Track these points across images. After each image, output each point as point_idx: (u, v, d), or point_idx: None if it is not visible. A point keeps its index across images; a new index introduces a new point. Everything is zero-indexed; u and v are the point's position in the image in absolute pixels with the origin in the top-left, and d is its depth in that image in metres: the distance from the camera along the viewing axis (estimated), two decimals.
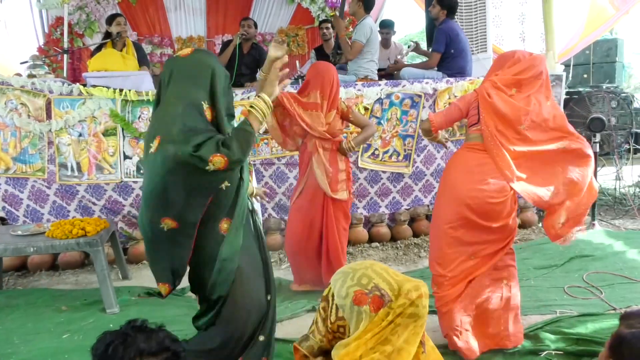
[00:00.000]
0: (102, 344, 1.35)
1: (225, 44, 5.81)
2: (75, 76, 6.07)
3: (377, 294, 1.53)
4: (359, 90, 4.54)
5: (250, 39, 5.69)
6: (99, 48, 5.12)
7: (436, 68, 5.07)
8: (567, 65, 5.08)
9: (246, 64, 5.59)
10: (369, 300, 1.51)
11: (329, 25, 6.13)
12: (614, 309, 3.15)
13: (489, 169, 2.53)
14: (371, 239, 4.75)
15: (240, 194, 2.02)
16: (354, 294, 1.53)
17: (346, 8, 5.57)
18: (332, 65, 3.62)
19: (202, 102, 1.87)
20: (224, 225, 1.99)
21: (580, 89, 6.09)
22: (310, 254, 3.56)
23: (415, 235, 4.84)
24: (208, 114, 1.89)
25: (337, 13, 5.31)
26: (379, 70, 5.55)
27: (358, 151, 4.59)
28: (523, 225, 5.05)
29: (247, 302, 2.09)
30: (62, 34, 5.80)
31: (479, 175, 2.53)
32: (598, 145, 5.11)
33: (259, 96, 2.05)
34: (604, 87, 6.06)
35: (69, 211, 4.34)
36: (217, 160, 1.79)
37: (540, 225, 5.12)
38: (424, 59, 5.52)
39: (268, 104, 2.04)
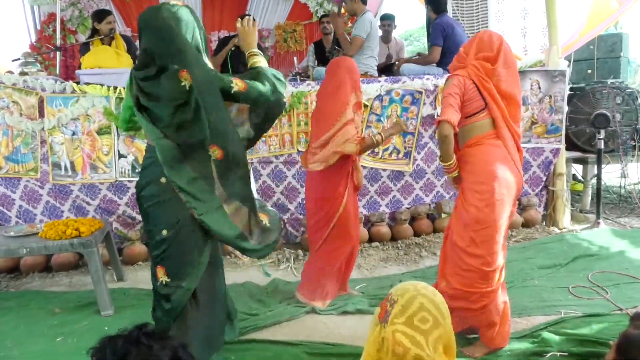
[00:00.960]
0: (109, 349, 1.22)
1: (222, 42, 5.76)
2: (68, 73, 6.06)
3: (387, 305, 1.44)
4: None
5: None
6: (86, 45, 5.11)
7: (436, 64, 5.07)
8: (568, 61, 5.06)
9: (243, 62, 5.54)
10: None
11: (329, 20, 6.10)
12: (620, 310, 3.15)
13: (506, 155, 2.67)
14: (371, 239, 4.74)
15: None
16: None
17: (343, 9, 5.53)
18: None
19: None
20: None
21: (584, 85, 6.08)
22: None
23: (416, 234, 4.83)
24: None
25: (335, 9, 5.29)
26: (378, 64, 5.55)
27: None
28: (526, 224, 5.05)
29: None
30: (54, 31, 5.79)
31: (510, 164, 2.66)
32: (603, 142, 5.10)
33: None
34: (609, 82, 6.04)
35: (62, 211, 4.33)
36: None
37: (544, 224, 5.12)
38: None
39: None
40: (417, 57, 5.83)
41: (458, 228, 2.70)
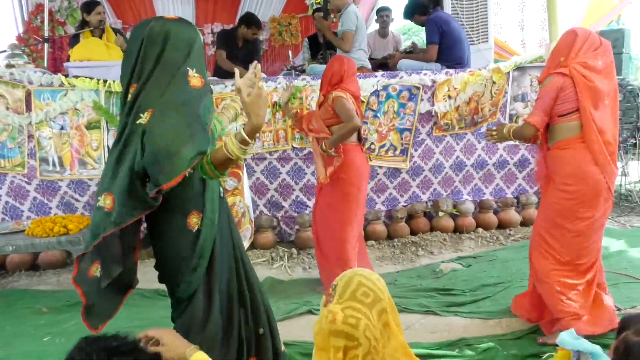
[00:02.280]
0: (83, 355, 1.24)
1: (223, 35, 5.71)
2: (57, 66, 6.03)
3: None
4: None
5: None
6: (76, 37, 5.08)
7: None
8: None
9: (240, 58, 5.54)
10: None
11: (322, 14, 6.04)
12: (619, 310, 3.17)
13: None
14: (367, 237, 4.74)
15: (208, 183, 1.93)
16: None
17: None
18: (342, 56, 3.68)
19: None
20: (192, 219, 1.88)
21: None
22: None
23: (413, 233, 4.85)
24: None
25: (321, 14, 5.24)
26: (375, 60, 5.55)
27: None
28: (525, 223, 5.07)
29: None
30: (42, 22, 5.76)
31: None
32: None
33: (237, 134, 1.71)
34: None
35: (50, 208, 4.32)
36: None
37: None
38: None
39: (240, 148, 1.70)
40: (411, 48, 5.85)
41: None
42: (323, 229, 3.62)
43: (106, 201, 1.76)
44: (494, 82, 4.76)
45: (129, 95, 1.78)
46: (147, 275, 4.04)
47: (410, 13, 5.21)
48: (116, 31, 5.16)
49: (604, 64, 2.72)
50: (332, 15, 5.53)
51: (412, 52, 5.58)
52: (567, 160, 2.76)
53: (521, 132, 2.85)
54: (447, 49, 4.93)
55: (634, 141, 5.88)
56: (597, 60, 2.71)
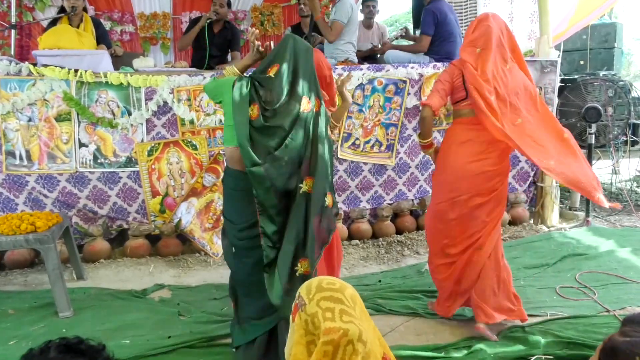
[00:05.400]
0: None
1: (194, 21, 5.73)
2: (24, 54, 5.95)
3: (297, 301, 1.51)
4: (339, 74, 4.53)
5: (222, 19, 5.60)
6: (53, 23, 5.01)
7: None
8: (558, 51, 5.13)
9: (217, 45, 5.51)
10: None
11: (306, 1, 6.03)
12: (607, 311, 3.23)
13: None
14: (351, 236, 4.77)
15: None
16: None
17: None
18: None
19: None
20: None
21: (576, 76, 6.18)
22: None
23: (399, 232, 4.88)
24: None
25: None
26: (360, 52, 5.55)
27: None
28: (514, 222, 5.13)
29: None
30: (9, 7, 5.68)
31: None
32: (593, 136, 5.21)
33: None
34: (601, 74, 6.16)
35: (17, 204, 4.26)
36: None
37: (531, 221, 5.20)
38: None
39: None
40: (403, 33, 5.87)
41: None
42: None
43: None
44: None
45: None
46: (120, 275, 4.05)
47: None
48: (95, 21, 5.07)
49: (483, 40, 2.98)
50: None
51: (403, 37, 5.62)
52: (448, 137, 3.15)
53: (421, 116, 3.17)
54: (438, 42, 4.96)
55: (625, 138, 5.97)
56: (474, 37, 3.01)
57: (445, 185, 3.03)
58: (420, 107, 3.04)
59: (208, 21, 5.44)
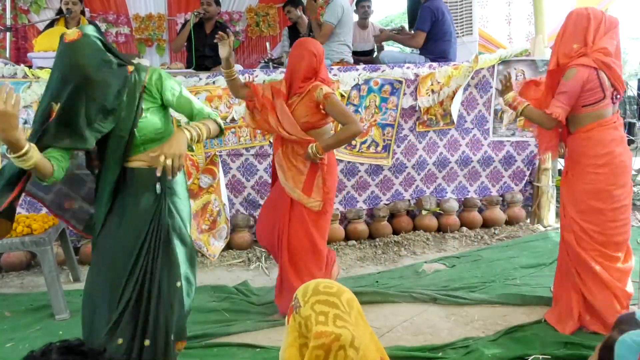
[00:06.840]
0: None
1: (185, 24, 5.73)
2: (20, 57, 5.92)
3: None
4: (335, 75, 4.55)
5: (212, 18, 5.59)
6: (50, 25, 5.01)
7: (418, 51, 5.11)
8: None
9: (210, 45, 5.50)
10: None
11: (290, 8, 5.92)
12: None
13: None
14: (348, 237, 4.78)
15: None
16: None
17: None
18: (311, 39, 3.19)
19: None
20: None
21: None
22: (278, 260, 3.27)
23: (395, 232, 4.89)
24: None
25: None
26: (357, 53, 5.57)
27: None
28: (510, 222, 5.15)
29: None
30: (4, 10, 5.66)
31: None
32: None
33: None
34: None
35: None
36: None
37: (528, 221, 5.22)
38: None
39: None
40: (399, 30, 5.89)
41: None
42: (300, 246, 3.12)
43: None
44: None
45: None
46: None
47: None
48: (92, 24, 5.07)
49: (617, 44, 2.85)
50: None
51: (399, 34, 5.66)
52: (596, 141, 2.87)
53: (541, 121, 2.94)
54: (435, 40, 4.98)
55: None
56: (613, 42, 2.82)
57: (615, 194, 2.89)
58: (545, 114, 2.84)
59: (197, 18, 5.42)
